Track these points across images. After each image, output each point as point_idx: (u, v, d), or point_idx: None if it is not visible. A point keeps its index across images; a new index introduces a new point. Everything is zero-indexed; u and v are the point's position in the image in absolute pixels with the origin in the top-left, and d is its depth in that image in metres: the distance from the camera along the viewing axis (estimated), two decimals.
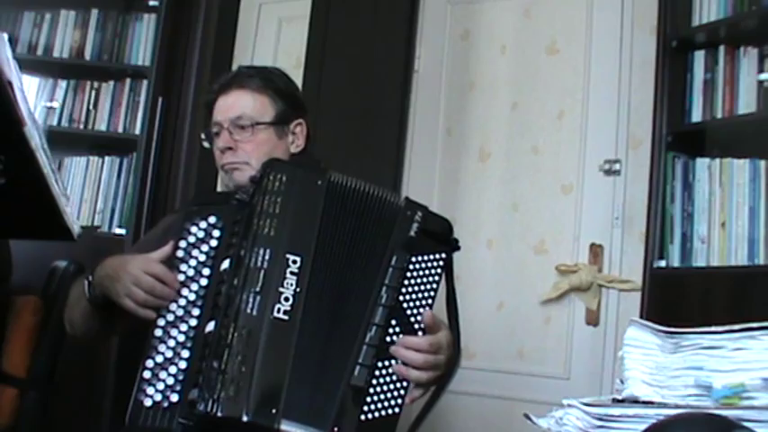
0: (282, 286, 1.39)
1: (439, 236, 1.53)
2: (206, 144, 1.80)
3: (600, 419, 1.07)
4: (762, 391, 1.05)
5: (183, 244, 1.44)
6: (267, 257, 1.40)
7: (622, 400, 1.13)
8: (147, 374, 1.36)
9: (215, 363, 1.34)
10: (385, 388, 1.43)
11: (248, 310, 1.36)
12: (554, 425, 1.11)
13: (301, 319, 1.39)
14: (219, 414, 1.30)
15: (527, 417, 1.14)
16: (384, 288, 1.45)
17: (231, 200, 1.48)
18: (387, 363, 1.44)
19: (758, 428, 0.96)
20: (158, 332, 1.39)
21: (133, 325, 1.50)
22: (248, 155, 1.71)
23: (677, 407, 1.06)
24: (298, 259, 1.41)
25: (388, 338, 1.44)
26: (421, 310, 1.47)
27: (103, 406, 2.78)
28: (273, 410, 1.33)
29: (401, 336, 1.45)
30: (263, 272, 1.39)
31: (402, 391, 1.44)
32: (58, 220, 1.25)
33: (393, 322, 1.45)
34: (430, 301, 1.48)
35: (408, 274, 1.47)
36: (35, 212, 1.26)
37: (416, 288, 1.47)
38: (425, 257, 1.49)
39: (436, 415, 2.82)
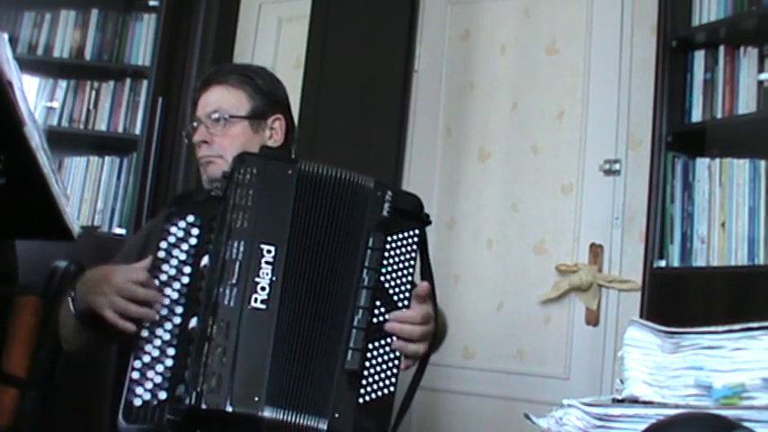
0: (258, 276, 1.40)
1: (411, 213, 1.54)
2: (186, 140, 1.84)
3: (600, 419, 1.07)
4: (762, 391, 1.05)
5: (164, 245, 1.45)
6: (242, 249, 1.41)
7: (622, 400, 1.12)
8: (135, 375, 1.37)
9: (198, 357, 1.35)
10: (378, 369, 1.44)
11: (226, 302, 1.38)
12: (554, 425, 1.11)
13: (279, 306, 1.40)
14: (203, 406, 1.32)
15: (527, 417, 1.14)
16: (365, 270, 1.46)
17: (208, 197, 1.50)
18: (377, 344, 1.45)
19: (758, 428, 0.96)
20: (144, 333, 1.40)
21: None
22: (223, 148, 1.74)
23: (677, 407, 1.06)
24: (272, 249, 1.43)
25: (374, 320, 1.46)
26: (402, 288, 1.49)
27: (103, 406, 2.78)
28: (256, 398, 1.34)
29: (387, 315, 1.47)
30: (238, 263, 1.40)
31: (395, 370, 1.46)
32: (58, 220, 1.25)
33: (378, 303, 1.46)
34: (410, 278, 1.50)
35: (386, 254, 1.49)
36: (35, 212, 1.26)
37: (395, 267, 1.49)
38: (400, 236, 1.51)
39: (436, 415, 2.83)
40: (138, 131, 3.08)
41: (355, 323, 1.44)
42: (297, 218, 1.47)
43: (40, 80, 3.21)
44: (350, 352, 1.42)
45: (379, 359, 1.45)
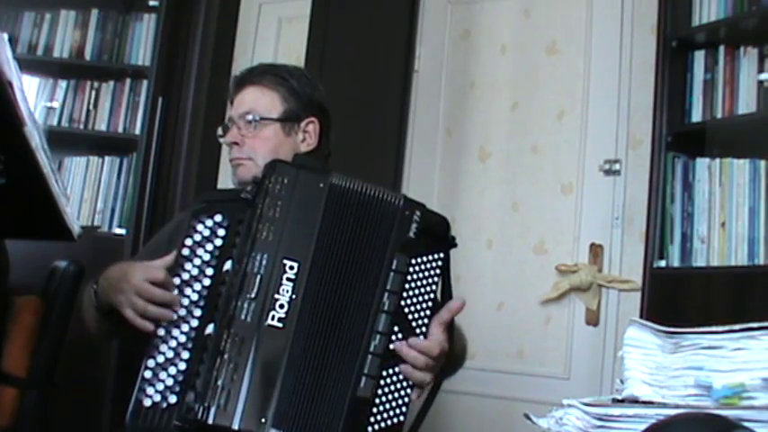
0: (278, 293, 1.38)
1: (437, 235, 1.50)
2: (221, 140, 1.81)
3: (600, 419, 1.07)
4: (762, 391, 1.04)
5: (189, 242, 1.43)
6: (264, 263, 1.38)
7: (622, 400, 1.12)
8: (147, 374, 1.36)
9: (209, 369, 1.34)
10: (390, 397, 1.41)
11: (242, 317, 1.35)
12: (554, 425, 1.10)
13: (296, 326, 1.38)
14: (210, 422, 1.31)
15: (527, 417, 1.14)
16: (386, 294, 1.43)
17: (238, 198, 1.46)
18: (391, 371, 1.42)
19: (758, 428, 0.96)
20: (161, 332, 1.39)
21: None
22: (253, 150, 1.71)
23: (677, 407, 1.06)
24: (295, 265, 1.39)
25: (390, 346, 1.43)
26: (422, 313, 1.45)
27: (103, 406, 2.78)
28: (262, 419, 1.33)
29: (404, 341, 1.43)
30: (259, 277, 1.37)
31: (406, 399, 1.43)
32: (58, 220, 1.25)
33: (396, 329, 1.43)
34: (430, 303, 1.46)
35: (409, 277, 1.45)
36: (35, 212, 1.26)
37: (417, 291, 1.45)
38: (425, 258, 1.47)
39: (436, 415, 2.83)
40: (137, 131, 3.08)
41: (371, 348, 1.41)
42: (323, 234, 1.43)
43: (40, 80, 3.21)
44: (363, 378, 1.39)
45: (392, 387, 1.42)
